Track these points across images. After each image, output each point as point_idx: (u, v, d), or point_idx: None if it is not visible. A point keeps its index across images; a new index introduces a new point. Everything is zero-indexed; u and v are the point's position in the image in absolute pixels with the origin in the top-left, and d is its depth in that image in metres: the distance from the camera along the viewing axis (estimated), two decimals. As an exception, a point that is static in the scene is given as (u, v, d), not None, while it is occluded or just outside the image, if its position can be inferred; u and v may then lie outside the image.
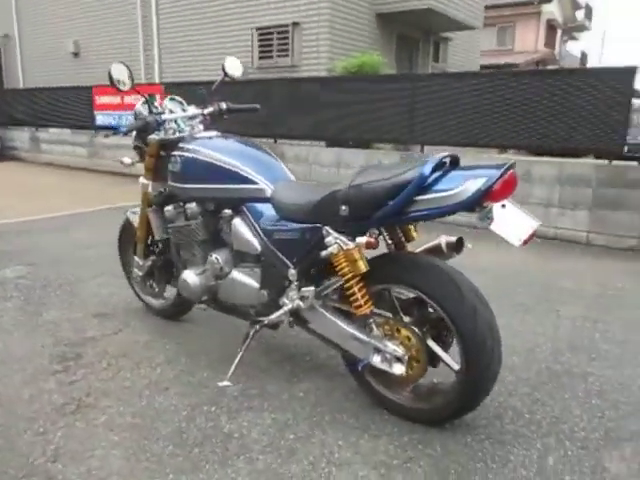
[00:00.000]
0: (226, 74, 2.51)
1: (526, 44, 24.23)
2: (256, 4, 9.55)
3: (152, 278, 2.87)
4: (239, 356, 2.28)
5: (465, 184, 1.59)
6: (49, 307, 3.15)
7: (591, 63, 33.87)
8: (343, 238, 1.84)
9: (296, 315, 2.13)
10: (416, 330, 1.86)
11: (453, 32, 11.79)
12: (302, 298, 2.04)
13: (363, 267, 1.83)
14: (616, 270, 4.16)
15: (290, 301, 2.08)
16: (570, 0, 27.21)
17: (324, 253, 1.87)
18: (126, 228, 2.97)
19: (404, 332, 1.88)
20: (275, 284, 2.15)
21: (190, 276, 2.36)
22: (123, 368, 2.42)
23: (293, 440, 1.92)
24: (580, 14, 30.77)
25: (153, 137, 2.42)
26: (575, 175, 5.02)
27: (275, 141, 7.32)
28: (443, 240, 1.97)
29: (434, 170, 1.67)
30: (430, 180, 1.65)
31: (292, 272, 2.06)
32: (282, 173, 2.25)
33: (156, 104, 2.48)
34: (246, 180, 2.17)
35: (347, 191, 1.80)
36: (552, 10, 25.63)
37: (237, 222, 2.21)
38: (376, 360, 1.92)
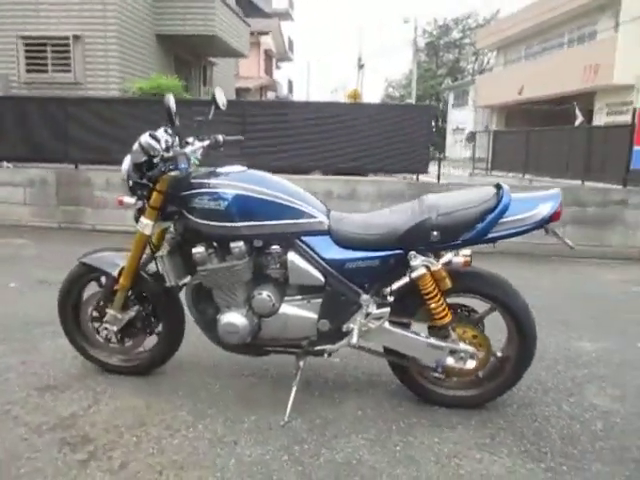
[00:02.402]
0: (217, 105, 2.43)
1: (250, 71, 26.30)
2: (23, 10, 8.21)
3: (126, 331, 2.52)
4: (294, 391, 2.30)
5: (539, 208, 2.07)
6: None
7: (296, 89, 38.70)
8: (431, 260, 2.12)
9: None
10: (481, 329, 2.26)
11: (220, 58, 12.22)
12: (375, 320, 2.21)
13: (449, 283, 2.13)
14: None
15: (360, 325, 2.22)
16: (280, 34, 30.57)
17: (415, 275, 2.11)
18: (78, 279, 2.52)
19: (470, 332, 2.25)
20: (341, 312, 2.25)
21: (237, 318, 2.23)
22: (162, 438, 2.13)
23: (403, 446, 2.09)
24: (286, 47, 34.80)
25: (171, 172, 2.20)
26: (392, 191, 6.03)
27: (76, 166, 6.53)
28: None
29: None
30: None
31: (365, 297, 2.21)
32: (321, 205, 2.35)
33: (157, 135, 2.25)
34: (304, 214, 2.21)
35: (437, 219, 2.08)
36: (269, 42, 28.50)
37: (294, 256, 2.21)
38: (450, 361, 2.24)
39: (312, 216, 2.21)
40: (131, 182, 2.27)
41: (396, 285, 2.18)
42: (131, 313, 2.47)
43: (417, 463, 2.00)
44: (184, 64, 10.85)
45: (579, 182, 8.65)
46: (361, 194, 6.05)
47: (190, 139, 2.38)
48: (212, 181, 2.21)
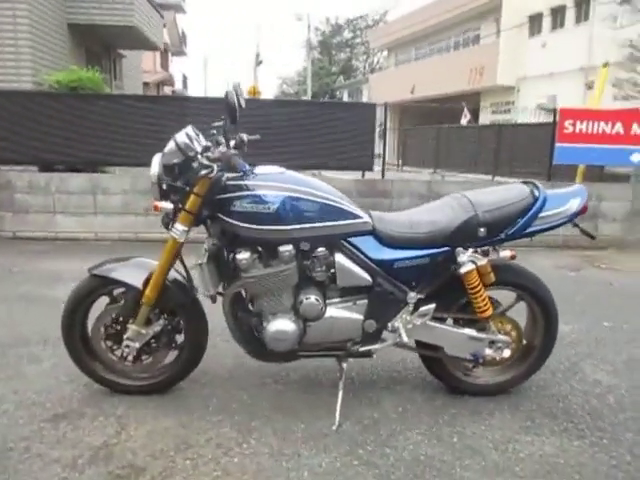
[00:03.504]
0: (239, 103, 2.29)
1: (147, 65, 25.03)
2: None
3: (147, 348, 2.33)
4: (340, 394, 2.28)
5: (570, 202, 2.22)
6: None
7: (192, 83, 37.65)
8: (477, 255, 2.19)
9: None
10: (515, 320, 2.38)
11: (129, 50, 11.49)
12: (419, 317, 2.25)
13: (493, 277, 2.22)
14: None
15: (405, 323, 2.25)
16: (175, 26, 29.42)
17: (464, 270, 2.17)
18: (89, 294, 2.29)
19: (506, 323, 2.37)
20: (388, 311, 2.25)
21: (286, 324, 2.15)
22: (218, 458, 2.00)
23: (458, 437, 2.16)
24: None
25: (211, 173, 2.06)
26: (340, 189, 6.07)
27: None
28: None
29: (536, 192, 2.24)
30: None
31: (412, 295, 2.23)
32: (355, 205, 2.33)
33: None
34: (351, 215, 2.18)
35: (483, 215, 2.16)
36: (164, 35, 27.28)
37: (341, 258, 2.18)
38: (489, 351, 2.34)
39: (358, 216, 2.19)
40: (165, 185, 2.09)
41: (441, 281, 2.23)
42: (156, 327, 2.28)
43: (479, 452, 2.07)
44: (94, 56, 10.06)
45: (489, 177, 9.34)
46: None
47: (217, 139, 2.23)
48: (255, 183, 2.10)
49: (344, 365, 2.32)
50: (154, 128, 5.60)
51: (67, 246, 5.61)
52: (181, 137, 2.06)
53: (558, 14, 22.81)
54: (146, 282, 2.22)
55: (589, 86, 21.22)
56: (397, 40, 34.55)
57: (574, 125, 6.09)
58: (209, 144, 2.09)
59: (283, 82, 53.22)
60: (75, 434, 2.12)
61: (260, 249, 2.15)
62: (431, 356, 2.43)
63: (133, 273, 2.26)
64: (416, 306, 2.25)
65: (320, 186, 2.20)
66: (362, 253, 2.20)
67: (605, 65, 6.66)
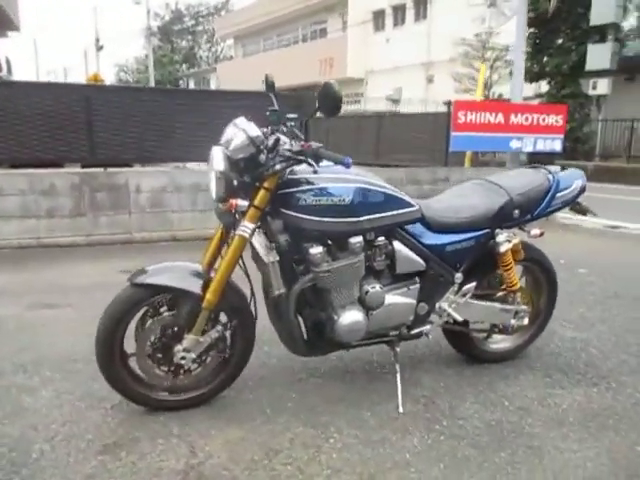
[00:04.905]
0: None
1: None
2: None
3: (199, 357, 2.17)
4: (398, 377, 2.37)
5: (575, 183, 2.55)
6: None
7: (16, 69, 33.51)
8: (511, 234, 2.42)
9: (444, 313, 2.45)
10: (528, 290, 2.67)
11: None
12: (462, 295, 2.42)
13: (523, 254, 2.47)
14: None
15: (450, 302, 2.40)
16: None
17: (502, 249, 2.38)
18: (134, 306, 2.06)
19: (525, 294, 2.64)
20: (438, 293, 2.38)
21: (358, 314, 2.16)
22: (313, 457, 1.97)
23: (508, 402, 2.37)
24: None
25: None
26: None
27: None
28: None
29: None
30: (557, 182, 2.52)
31: (458, 275, 2.39)
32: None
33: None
34: (407, 204, 2.25)
35: (516, 198, 2.38)
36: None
37: (399, 246, 2.24)
38: (513, 321, 2.59)
39: (411, 204, 2.27)
40: (236, 181, 1.96)
41: (479, 261, 2.42)
42: (214, 334, 2.13)
43: (532, 411, 2.30)
44: None
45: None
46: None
47: (265, 130, 2.14)
48: (321, 176, 2.07)
49: (397, 349, 2.40)
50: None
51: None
52: (253, 130, 1.94)
53: (399, 12, 24.67)
54: (204, 286, 2.06)
55: (429, 80, 23.50)
56: (244, 30, 34.41)
57: (465, 115, 6.76)
58: (279, 136, 2.00)
59: (120, 70, 49.91)
60: (146, 462, 1.91)
61: (329, 242, 2.13)
62: (459, 331, 2.61)
63: (185, 278, 2.08)
64: (459, 286, 2.41)
65: (373, 177, 2.24)
66: (416, 239, 2.30)
67: (483, 62, 7.47)
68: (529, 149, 7.24)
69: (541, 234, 2.50)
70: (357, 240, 2.12)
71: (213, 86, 37.36)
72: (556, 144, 7.35)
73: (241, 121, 2.05)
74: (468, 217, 2.36)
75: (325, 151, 1.93)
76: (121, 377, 2.12)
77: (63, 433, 2.07)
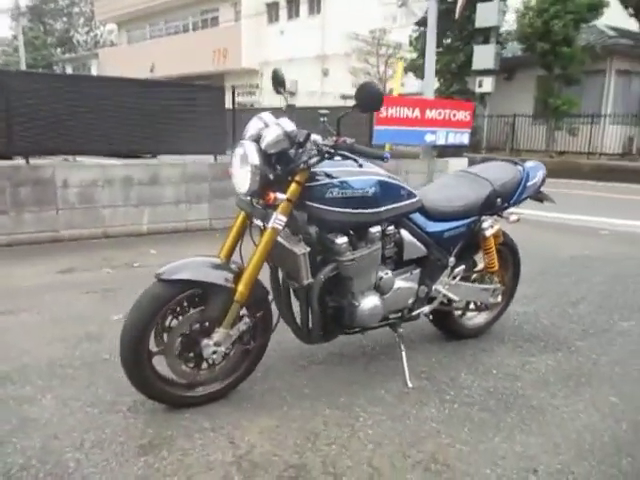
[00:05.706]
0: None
1: None
2: None
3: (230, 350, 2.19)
4: (404, 355, 2.56)
5: (538, 174, 2.89)
6: None
7: None
8: (494, 221, 2.69)
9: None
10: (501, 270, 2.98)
11: None
12: (453, 278, 2.66)
13: (502, 238, 2.76)
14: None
15: (443, 284, 2.63)
16: None
17: (487, 233, 2.64)
18: (164, 302, 2.03)
19: (498, 274, 2.94)
20: (435, 276, 2.58)
21: (376, 299, 2.29)
22: (367, 432, 2.09)
23: (500, 375, 2.66)
24: None
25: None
26: (196, 173, 5.89)
27: None
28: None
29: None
30: (527, 173, 2.84)
31: (452, 259, 2.61)
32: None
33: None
34: (412, 194, 2.41)
35: (498, 188, 2.66)
36: None
37: (406, 234, 2.41)
38: (491, 299, 2.89)
39: (415, 195, 2.45)
40: (272, 175, 1.99)
41: (466, 245, 2.67)
42: (242, 327, 2.15)
43: (519, 377, 2.58)
44: None
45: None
46: (163, 178, 5.69)
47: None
48: (343, 169, 2.17)
49: (400, 330, 2.57)
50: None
51: None
52: (288, 125, 1.99)
53: (293, 4, 24.85)
54: (236, 279, 2.08)
55: (325, 73, 24.00)
56: (128, 14, 32.59)
57: (387, 110, 7.10)
58: (307, 131, 2.06)
59: (-24, 52, 44.87)
60: (192, 457, 1.91)
61: (351, 232, 2.23)
62: (442, 310, 2.85)
63: (212, 272, 2.08)
64: (452, 269, 2.64)
65: (382, 170, 2.38)
66: (419, 227, 2.48)
67: (400, 58, 7.87)
68: (442, 142, 7.78)
69: (517, 220, 2.80)
70: (376, 229, 2.25)
71: (94, 73, 34.92)
72: (464, 137, 7.99)
73: (268, 115, 2.09)
74: (462, 206, 2.59)
75: (360, 146, 2.04)
76: (147, 376, 2.07)
77: (90, 440, 1.98)
